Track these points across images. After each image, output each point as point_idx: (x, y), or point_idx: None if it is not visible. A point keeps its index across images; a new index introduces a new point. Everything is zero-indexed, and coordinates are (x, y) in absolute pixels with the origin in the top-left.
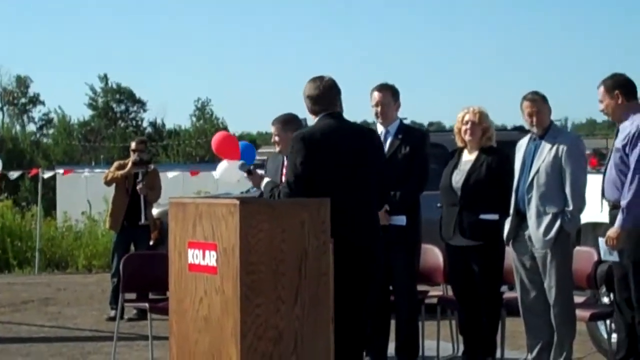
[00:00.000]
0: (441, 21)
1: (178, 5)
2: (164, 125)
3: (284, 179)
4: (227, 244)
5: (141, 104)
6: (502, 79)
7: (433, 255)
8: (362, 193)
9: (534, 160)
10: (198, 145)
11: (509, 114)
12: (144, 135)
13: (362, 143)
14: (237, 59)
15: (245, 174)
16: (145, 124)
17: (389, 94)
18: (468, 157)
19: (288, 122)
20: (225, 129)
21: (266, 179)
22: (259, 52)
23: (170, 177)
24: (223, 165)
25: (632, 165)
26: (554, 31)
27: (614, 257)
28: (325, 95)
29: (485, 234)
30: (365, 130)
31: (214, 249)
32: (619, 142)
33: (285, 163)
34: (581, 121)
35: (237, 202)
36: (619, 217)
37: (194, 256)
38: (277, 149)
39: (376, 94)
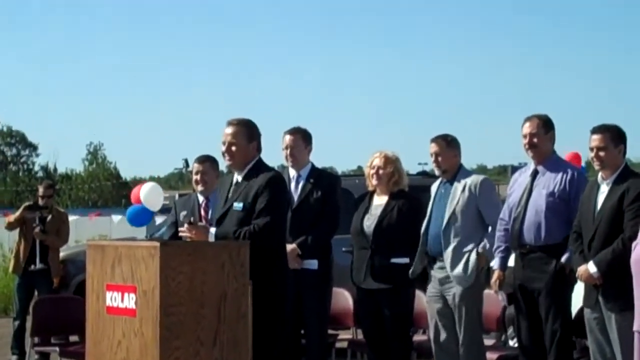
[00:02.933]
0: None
1: (69, 50)
2: (55, 169)
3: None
4: (147, 286)
5: (33, 147)
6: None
7: (343, 298)
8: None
9: (448, 203)
10: (90, 189)
11: (414, 159)
12: (37, 179)
13: None
14: (128, 103)
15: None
16: (36, 167)
17: (300, 138)
18: (379, 202)
19: (215, 162)
20: (118, 173)
21: (212, 230)
22: (149, 97)
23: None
24: (148, 186)
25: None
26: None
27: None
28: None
29: (396, 277)
30: None
31: (133, 291)
32: (552, 187)
33: (202, 203)
34: (472, 167)
35: (158, 244)
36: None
37: (113, 298)
38: (199, 188)
39: (287, 137)
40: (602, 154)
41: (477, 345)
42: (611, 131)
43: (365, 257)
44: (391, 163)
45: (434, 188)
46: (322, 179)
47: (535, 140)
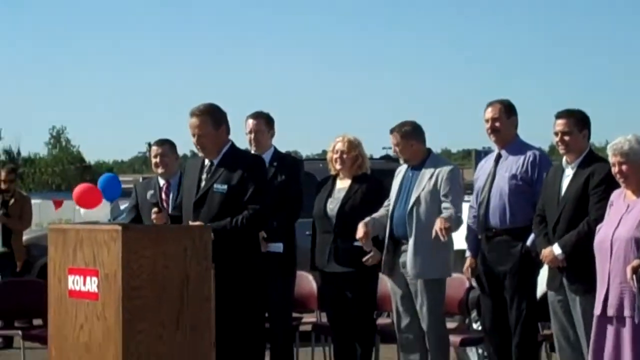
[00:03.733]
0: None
1: (30, 33)
2: (19, 153)
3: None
4: (109, 269)
5: None
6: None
7: (307, 282)
8: None
9: (413, 189)
10: (54, 173)
11: (378, 143)
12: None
13: None
14: (91, 87)
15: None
16: None
17: (263, 122)
18: (341, 185)
19: (173, 145)
20: (81, 157)
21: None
22: (113, 80)
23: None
24: (86, 212)
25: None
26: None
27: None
28: None
29: (360, 260)
30: None
31: (95, 274)
32: (514, 170)
33: (163, 187)
34: (436, 151)
35: (119, 227)
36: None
37: (75, 282)
38: (159, 170)
39: (251, 122)
40: (566, 138)
41: (440, 329)
42: (575, 116)
43: (328, 240)
44: (355, 147)
45: (401, 170)
46: (284, 162)
47: (497, 124)
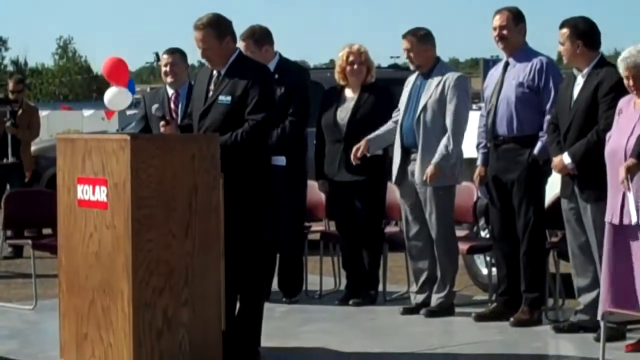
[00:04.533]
0: None
1: None
2: (26, 63)
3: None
4: (118, 179)
5: (2, 41)
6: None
7: (315, 191)
8: None
9: (421, 97)
10: (61, 84)
11: (386, 52)
12: (7, 74)
13: None
14: None
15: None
16: (6, 61)
17: (251, 42)
18: (350, 95)
19: (184, 54)
20: (89, 67)
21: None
22: None
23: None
24: (112, 90)
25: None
26: None
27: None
28: None
29: (370, 169)
30: None
31: (104, 184)
32: (521, 78)
33: (171, 96)
34: (444, 60)
35: (128, 137)
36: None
37: (84, 192)
38: (168, 80)
39: (242, 44)
40: (505, 32)
41: (449, 237)
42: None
43: (339, 149)
44: (367, 57)
45: (411, 80)
46: (287, 74)
47: (504, 32)
